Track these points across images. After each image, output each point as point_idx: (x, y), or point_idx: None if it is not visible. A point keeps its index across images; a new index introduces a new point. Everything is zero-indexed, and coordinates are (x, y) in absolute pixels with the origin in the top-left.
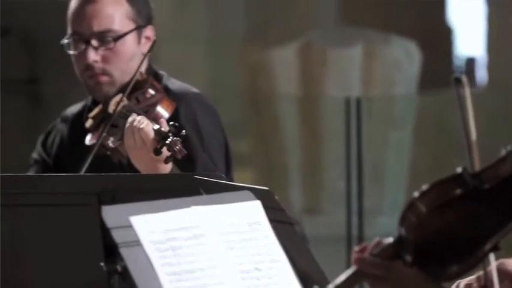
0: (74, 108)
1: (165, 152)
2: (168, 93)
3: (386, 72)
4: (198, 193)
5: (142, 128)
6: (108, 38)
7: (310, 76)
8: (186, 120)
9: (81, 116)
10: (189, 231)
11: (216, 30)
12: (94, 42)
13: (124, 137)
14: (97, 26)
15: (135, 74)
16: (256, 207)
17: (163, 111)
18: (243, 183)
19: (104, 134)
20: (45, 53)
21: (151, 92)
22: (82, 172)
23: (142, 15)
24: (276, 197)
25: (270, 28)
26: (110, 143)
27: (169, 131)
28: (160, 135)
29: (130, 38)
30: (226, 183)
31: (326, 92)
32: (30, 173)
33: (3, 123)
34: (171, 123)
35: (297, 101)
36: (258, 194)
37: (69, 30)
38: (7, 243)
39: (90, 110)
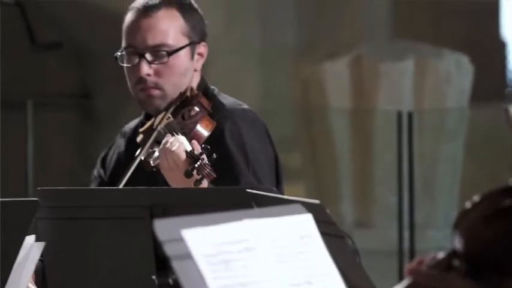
0: (132, 123)
1: (195, 174)
2: (216, 110)
3: (438, 86)
4: (249, 206)
5: (174, 151)
6: (162, 52)
7: (361, 90)
8: (231, 138)
9: (137, 130)
10: (241, 245)
11: (268, 45)
12: (148, 56)
13: (160, 156)
14: (151, 40)
15: (183, 93)
16: (307, 220)
17: (202, 131)
18: (295, 196)
19: (150, 150)
20: (98, 68)
21: (197, 109)
22: (121, 185)
23: (197, 32)
24: (328, 211)
25: (321, 42)
26: (151, 160)
27: (200, 154)
28: (192, 158)
29: (184, 53)
30: (277, 197)
31: (378, 106)
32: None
33: (56, 138)
34: (203, 145)
35: (349, 115)
36: (310, 208)
37: (123, 43)
38: (62, 255)
39: (143, 124)
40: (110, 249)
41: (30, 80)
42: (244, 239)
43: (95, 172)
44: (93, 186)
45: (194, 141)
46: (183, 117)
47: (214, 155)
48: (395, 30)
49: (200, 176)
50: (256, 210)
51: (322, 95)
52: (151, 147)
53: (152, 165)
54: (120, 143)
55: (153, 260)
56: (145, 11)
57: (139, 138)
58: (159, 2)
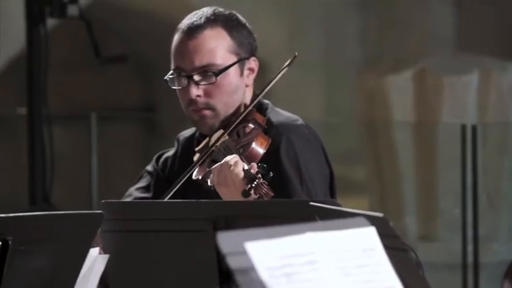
0: (187, 132)
1: (253, 194)
2: (270, 126)
3: (502, 99)
4: (313, 219)
5: (232, 170)
6: (210, 73)
7: (425, 103)
8: (286, 155)
9: (190, 141)
10: (304, 258)
11: (331, 58)
12: (196, 77)
13: (215, 175)
14: (198, 61)
15: (237, 110)
16: (370, 233)
17: (258, 148)
18: (358, 209)
19: (207, 170)
20: (161, 81)
21: (251, 126)
22: (166, 199)
23: (245, 47)
24: (391, 224)
25: (385, 55)
26: (209, 180)
27: (257, 173)
28: (249, 177)
29: (233, 71)
30: (341, 210)
31: (441, 119)
32: (141, 184)
33: (119, 150)
34: (260, 164)
35: (413, 128)
36: (373, 221)
37: (172, 65)
38: (126, 268)
39: (199, 142)
40: (173, 262)
41: (94, 93)
42: (308, 252)
43: (150, 168)
44: (145, 179)
45: (252, 161)
46: (238, 135)
47: (271, 174)
48: (459, 43)
49: (258, 195)
50: (320, 223)
51: (386, 108)
52: (208, 166)
53: (210, 184)
54: (175, 150)
55: (217, 273)
56: (191, 32)
57: (195, 157)
58: (204, 22)
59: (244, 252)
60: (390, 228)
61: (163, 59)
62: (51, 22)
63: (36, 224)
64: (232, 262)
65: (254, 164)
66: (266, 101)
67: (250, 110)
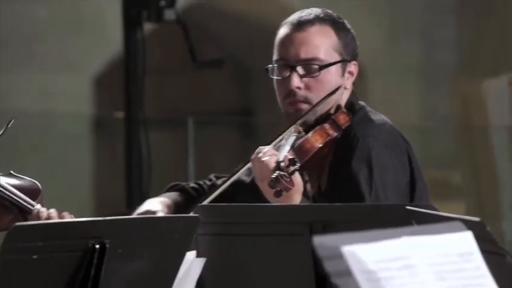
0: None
1: (278, 185)
2: (352, 127)
3: None
4: (408, 224)
5: (263, 161)
6: (313, 66)
7: None
8: (359, 157)
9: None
10: (401, 262)
11: (428, 62)
12: (300, 69)
13: (252, 165)
14: (304, 54)
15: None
16: (467, 238)
17: (311, 143)
18: (455, 214)
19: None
20: (258, 84)
21: (326, 125)
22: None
23: (348, 50)
24: (488, 228)
25: (482, 59)
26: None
27: (285, 166)
28: (276, 169)
29: (335, 70)
30: (437, 214)
31: None
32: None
33: (216, 154)
34: (291, 157)
35: (510, 132)
36: (470, 225)
37: (275, 56)
38: (222, 271)
39: None
40: (269, 266)
41: (191, 97)
42: (404, 256)
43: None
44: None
45: (286, 155)
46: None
47: (296, 168)
48: None
49: (280, 187)
50: (416, 227)
51: (483, 113)
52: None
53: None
54: None
55: (313, 277)
56: (300, 26)
57: None
58: (313, 18)
59: (340, 256)
60: (487, 232)
61: (260, 63)
62: (148, 26)
63: (134, 227)
64: (329, 266)
65: (288, 156)
66: (361, 102)
67: (336, 110)
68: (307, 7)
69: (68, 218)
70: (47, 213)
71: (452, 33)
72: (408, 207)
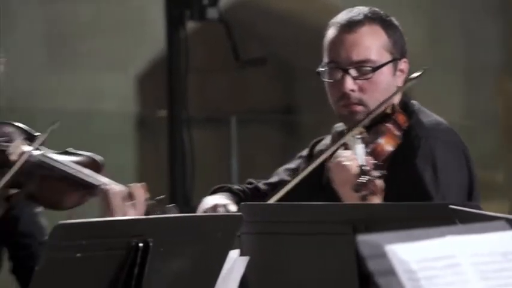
0: (339, 124)
1: (363, 190)
2: (412, 128)
3: None
4: (452, 223)
5: (345, 165)
6: (366, 68)
7: None
8: (423, 159)
9: (342, 134)
10: (444, 261)
11: (472, 61)
12: (352, 72)
13: (330, 169)
14: (356, 56)
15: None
16: (511, 237)
17: (384, 146)
18: (499, 213)
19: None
20: (301, 83)
21: (389, 125)
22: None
23: (398, 48)
24: None
25: None
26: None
27: (370, 170)
28: (361, 173)
29: (387, 70)
30: (481, 213)
31: None
32: (291, 165)
33: (260, 153)
34: (374, 161)
35: None
36: None
37: (325, 59)
38: (265, 270)
39: None
40: (312, 265)
41: (234, 95)
42: (448, 256)
43: (304, 152)
44: (293, 163)
45: (368, 159)
46: (373, 132)
47: (383, 172)
48: None
49: (366, 192)
50: (459, 226)
51: None
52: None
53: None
54: (327, 141)
55: (356, 276)
56: (349, 27)
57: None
58: (362, 18)
59: (384, 255)
60: None
61: (303, 62)
62: (191, 25)
63: (177, 225)
64: (372, 265)
65: (369, 160)
66: (414, 102)
67: (394, 111)
68: (350, 5)
69: (137, 189)
70: (116, 188)
71: (495, 32)
72: (452, 206)
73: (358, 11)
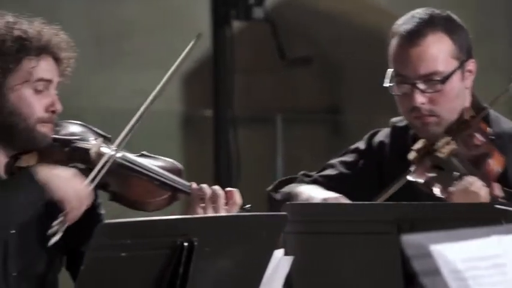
0: (398, 119)
1: None
2: (496, 136)
3: None
4: (498, 222)
5: (478, 194)
6: (434, 81)
7: None
8: None
9: (403, 134)
10: (490, 261)
11: None
12: (420, 85)
13: (453, 194)
14: (423, 69)
15: (461, 116)
16: None
17: (496, 168)
18: None
19: (428, 175)
20: (347, 82)
21: (479, 137)
22: (381, 199)
23: (464, 50)
24: None
25: None
26: (434, 189)
27: (503, 197)
28: (492, 201)
29: (455, 76)
30: None
31: None
32: (346, 158)
33: (305, 152)
34: (505, 189)
35: None
36: None
37: (392, 72)
38: (309, 270)
39: (414, 139)
40: (356, 265)
41: (279, 95)
42: (493, 255)
43: (362, 145)
44: (350, 157)
45: (496, 186)
46: (465, 145)
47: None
48: None
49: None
50: (505, 226)
51: None
52: (428, 171)
53: (434, 193)
54: (386, 134)
55: (401, 276)
56: (412, 39)
57: (412, 155)
58: (425, 27)
59: (429, 255)
60: None
61: (348, 61)
62: (236, 25)
63: (222, 225)
64: (417, 265)
65: (498, 187)
66: (485, 105)
67: (472, 117)
68: (395, 5)
69: (235, 194)
70: (213, 189)
71: None
72: (498, 206)
73: (419, 19)
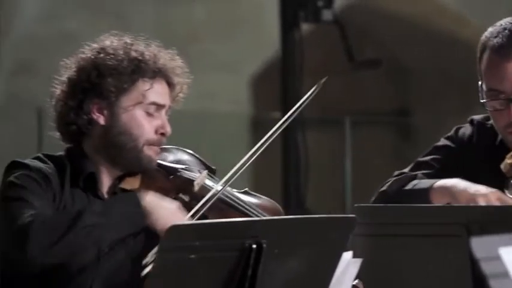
0: (479, 117)
1: None
2: None
3: None
4: None
5: None
6: None
7: None
8: None
9: (493, 130)
10: None
11: None
12: None
13: None
14: None
15: None
16: None
17: None
18: None
19: None
20: (415, 85)
21: None
22: None
23: None
24: None
25: None
26: None
27: None
28: None
29: None
30: None
31: None
32: (437, 156)
33: (373, 154)
34: None
35: None
36: None
37: (485, 86)
38: (378, 272)
39: (502, 150)
40: (425, 267)
41: (348, 97)
42: None
43: (449, 143)
44: (442, 153)
45: None
46: None
47: None
48: None
49: None
50: None
51: None
52: None
53: None
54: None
55: (470, 279)
56: (505, 54)
57: (504, 166)
58: None
59: (498, 258)
60: None
61: (417, 63)
62: (305, 27)
63: (291, 227)
64: (486, 267)
65: None
66: None
67: None
68: (462, 7)
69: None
70: None
71: None
72: None
73: (509, 31)
